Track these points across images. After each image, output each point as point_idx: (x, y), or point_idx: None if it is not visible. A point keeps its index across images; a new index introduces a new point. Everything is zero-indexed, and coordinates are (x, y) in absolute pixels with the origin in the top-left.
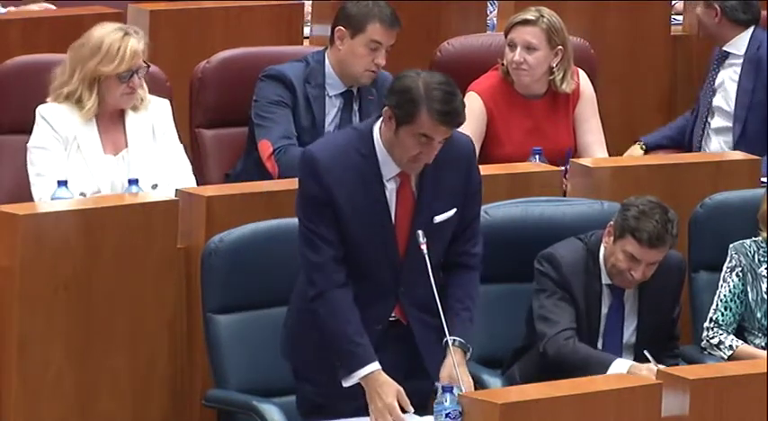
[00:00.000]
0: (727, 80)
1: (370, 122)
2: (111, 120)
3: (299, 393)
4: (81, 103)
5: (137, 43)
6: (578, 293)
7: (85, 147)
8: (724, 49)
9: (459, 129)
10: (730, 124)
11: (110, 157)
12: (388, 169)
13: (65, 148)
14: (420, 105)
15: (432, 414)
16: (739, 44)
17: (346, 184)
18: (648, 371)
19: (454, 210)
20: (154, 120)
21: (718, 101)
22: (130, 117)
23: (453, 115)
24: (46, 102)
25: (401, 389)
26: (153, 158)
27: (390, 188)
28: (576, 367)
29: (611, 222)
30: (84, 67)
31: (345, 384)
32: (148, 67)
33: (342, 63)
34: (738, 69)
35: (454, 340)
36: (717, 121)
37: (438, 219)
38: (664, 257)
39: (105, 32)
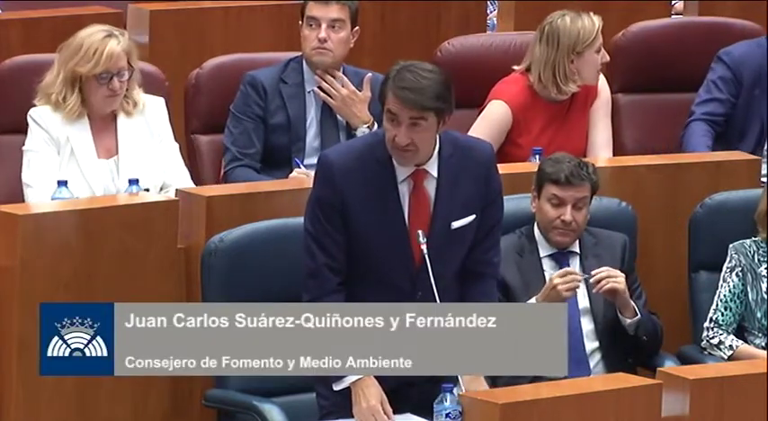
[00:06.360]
0: None
1: None
2: (103, 124)
3: (317, 400)
4: (65, 103)
5: (116, 45)
6: (513, 277)
7: (79, 150)
8: None
9: (480, 135)
10: None
11: (103, 162)
12: (401, 170)
13: (58, 152)
14: (387, 83)
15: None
16: None
17: (361, 190)
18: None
19: (473, 216)
20: (149, 120)
21: None
22: (122, 121)
23: (409, 92)
24: (34, 104)
25: (385, 397)
26: (147, 162)
27: (403, 191)
28: None
29: (532, 187)
30: (66, 68)
31: (336, 388)
32: (132, 70)
33: (303, 51)
34: None
35: None
36: None
37: (456, 224)
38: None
39: (88, 34)
